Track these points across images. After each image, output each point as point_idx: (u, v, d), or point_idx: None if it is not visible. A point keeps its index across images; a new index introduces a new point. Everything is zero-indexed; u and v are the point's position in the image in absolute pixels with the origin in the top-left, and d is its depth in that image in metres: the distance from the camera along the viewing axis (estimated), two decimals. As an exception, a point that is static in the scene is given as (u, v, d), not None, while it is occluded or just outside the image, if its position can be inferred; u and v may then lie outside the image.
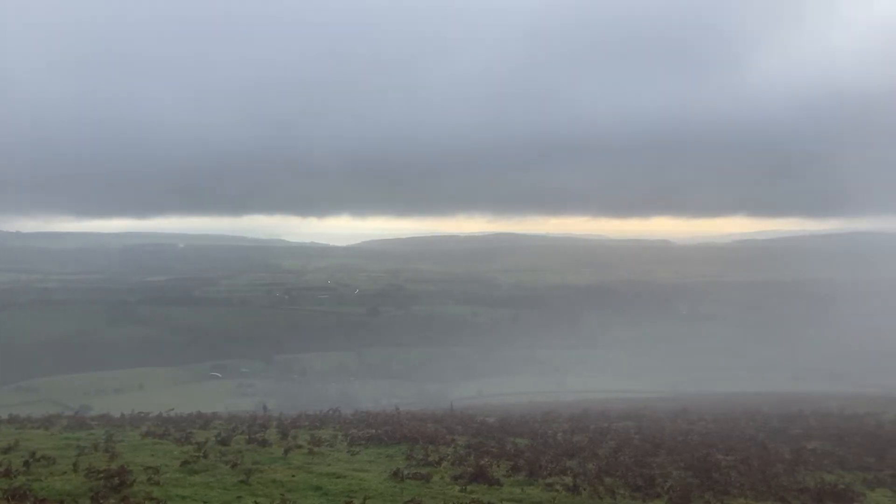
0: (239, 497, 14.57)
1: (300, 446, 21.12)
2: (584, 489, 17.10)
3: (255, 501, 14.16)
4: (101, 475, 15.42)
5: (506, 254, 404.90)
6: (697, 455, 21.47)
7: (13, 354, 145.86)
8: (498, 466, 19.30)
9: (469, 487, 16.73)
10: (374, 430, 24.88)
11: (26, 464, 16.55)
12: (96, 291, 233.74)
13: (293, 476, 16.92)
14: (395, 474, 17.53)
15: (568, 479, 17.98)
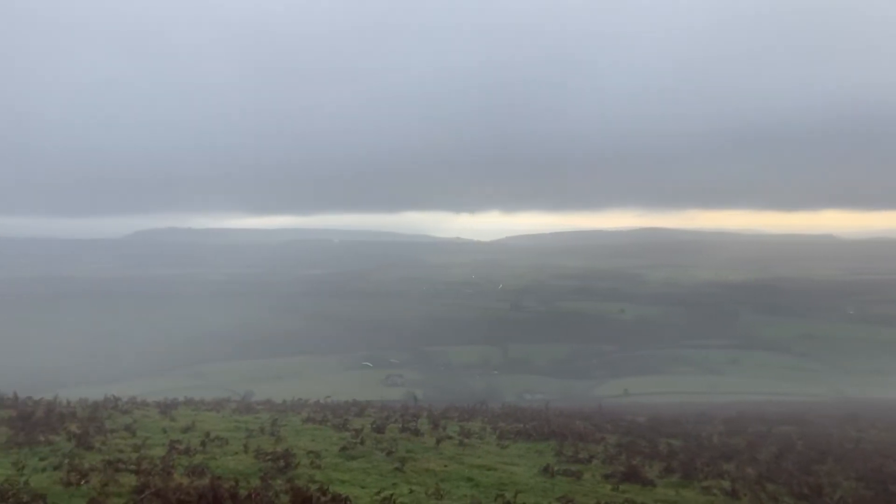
0: (395, 484, 15.08)
1: (451, 437, 21.57)
2: (744, 494, 16.39)
3: (411, 489, 14.60)
4: (269, 457, 16.46)
5: (655, 249, 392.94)
6: (870, 465, 20.02)
7: (185, 342, 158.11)
8: (650, 467, 18.87)
9: (621, 487, 16.46)
10: (522, 425, 25.00)
11: (203, 443, 17.94)
12: (258, 284, 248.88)
13: (445, 466, 17.31)
14: (546, 470, 17.53)
15: (726, 483, 17.30)
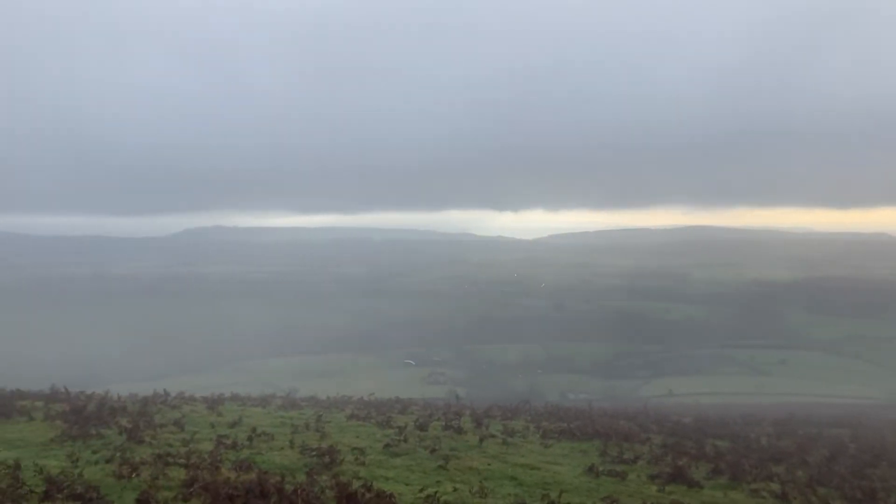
0: (438, 482, 15.09)
1: (494, 436, 21.53)
2: (795, 498, 16.04)
3: (454, 487, 14.59)
4: (314, 453, 16.63)
5: (701, 248, 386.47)
6: (927, 470, 19.44)
7: (230, 338, 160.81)
8: (697, 468, 18.59)
9: (667, 488, 16.24)
10: (565, 424, 24.83)
11: (249, 438, 18.20)
12: (301, 282, 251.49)
13: (489, 465, 17.28)
14: (590, 470, 17.39)
15: (775, 486, 16.96)
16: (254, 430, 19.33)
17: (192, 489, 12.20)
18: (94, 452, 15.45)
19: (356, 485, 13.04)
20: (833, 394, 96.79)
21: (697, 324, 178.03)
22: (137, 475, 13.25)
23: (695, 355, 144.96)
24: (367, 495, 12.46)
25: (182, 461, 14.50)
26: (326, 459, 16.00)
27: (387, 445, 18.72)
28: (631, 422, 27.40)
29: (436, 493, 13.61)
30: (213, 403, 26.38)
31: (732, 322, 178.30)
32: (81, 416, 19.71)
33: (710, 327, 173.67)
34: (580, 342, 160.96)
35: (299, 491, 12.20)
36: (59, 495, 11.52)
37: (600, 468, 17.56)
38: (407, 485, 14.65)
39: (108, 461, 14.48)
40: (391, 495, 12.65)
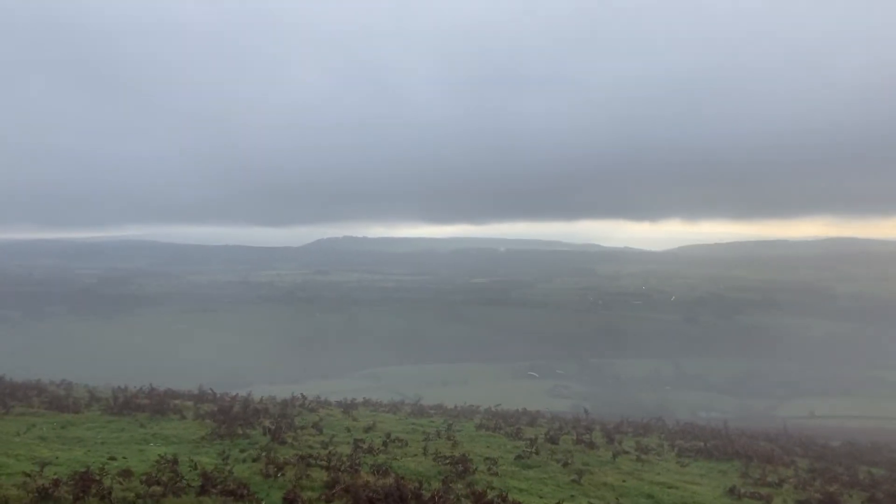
0: (572, 496, 14.89)
1: (627, 452, 21.03)
2: (965, 535, 14.73)
3: (589, 502, 14.36)
4: (447, 461, 16.80)
5: (847, 260, 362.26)
6: None
7: (359, 345, 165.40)
8: (850, 496, 17.42)
9: (817, 516, 15.33)
10: (702, 443, 23.91)
11: (384, 444, 18.65)
12: (427, 291, 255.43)
13: (623, 481, 16.88)
14: (731, 491, 16.65)
15: (942, 521, 15.64)
16: (388, 435, 19.79)
17: (334, 491, 12.62)
18: (242, 451, 16.29)
19: (491, 494, 13.04)
20: None
21: (842, 341, 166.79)
22: (283, 475, 13.85)
23: (839, 375, 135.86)
24: (503, 506, 12.45)
25: (323, 463, 15.01)
26: (460, 468, 16.12)
27: (518, 457, 18.67)
28: (772, 443, 26.06)
29: (571, 507, 13.44)
30: (348, 408, 27.24)
31: (882, 340, 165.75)
32: (228, 416, 20.86)
33: (856, 345, 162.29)
34: (712, 358, 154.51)
35: (436, 497, 12.35)
36: (214, 490, 12.21)
37: (742, 490, 16.78)
38: (541, 497, 14.53)
39: (255, 460, 15.22)
40: (526, 507, 12.60)
